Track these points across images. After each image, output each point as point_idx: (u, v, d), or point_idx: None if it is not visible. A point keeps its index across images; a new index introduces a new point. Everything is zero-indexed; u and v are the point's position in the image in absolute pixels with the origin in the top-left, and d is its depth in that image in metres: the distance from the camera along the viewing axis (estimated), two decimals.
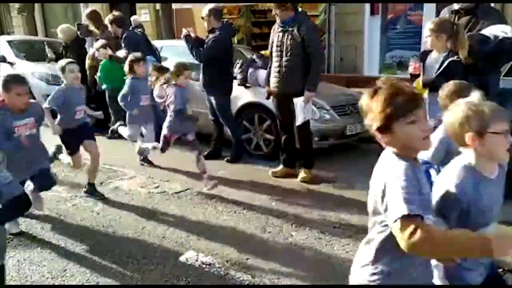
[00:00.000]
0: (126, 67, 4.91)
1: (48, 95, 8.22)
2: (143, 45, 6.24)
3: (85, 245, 3.36)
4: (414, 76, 3.82)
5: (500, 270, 2.93)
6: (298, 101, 4.47)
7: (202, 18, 5.29)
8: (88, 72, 6.90)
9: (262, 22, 12.43)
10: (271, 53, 4.78)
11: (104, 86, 6.66)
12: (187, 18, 10.95)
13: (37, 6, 13.87)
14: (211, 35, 5.22)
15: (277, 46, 4.54)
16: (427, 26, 3.69)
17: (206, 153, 5.60)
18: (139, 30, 6.62)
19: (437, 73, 3.62)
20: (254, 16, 12.48)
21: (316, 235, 3.47)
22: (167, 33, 9.30)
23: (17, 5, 13.45)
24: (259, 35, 12.44)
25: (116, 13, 6.36)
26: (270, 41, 4.76)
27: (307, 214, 3.88)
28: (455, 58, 3.53)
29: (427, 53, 3.82)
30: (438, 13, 5.11)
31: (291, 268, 3.00)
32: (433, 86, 3.60)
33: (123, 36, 6.13)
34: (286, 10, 4.45)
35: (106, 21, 6.34)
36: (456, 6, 3.90)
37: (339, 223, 3.68)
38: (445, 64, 3.57)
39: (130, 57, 4.99)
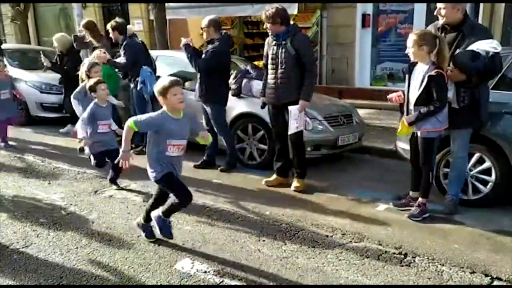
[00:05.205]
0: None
1: (41, 103, 8.32)
2: (142, 54, 6.26)
3: (80, 253, 3.38)
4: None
5: (488, 277, 3.03)
6: (293, 109, 4.56)
7: (202, 29, 5.37)
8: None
9: (254, 33, 12.63)
10: (265, 65, 4.88)
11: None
12: (181, 29, 11.05)
13: (29, 14, 13.90)
14: (210, 46, 5.30)
15: (272, 59, 4.65)
16: (410, 38, 3.77)
17: (200, 162, 5.67)
18: (139, 40, 6.66)
19: (419, 90, 3.72)
20: (247, 27, 12.68)
21: (310, 243, 3.54)
22: (161, 43, 9.36)
23: (10, 14, 13.46)
24: (251, 46, 12.62)
25: (119, 20, 6.27)
26: (265, 54, 4.86)
27: (301, 223, 3.94)
28: (433, 72, 3.62)
29: (413, 65, 3.89)
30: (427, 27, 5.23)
31: (285, 275, 3.05)
32: (418, 120, 3.76)
33: (124, 44, 6.09)
34: (277, 24, 4.55)
35: (108, 26, 6.24)
36: (441, 22, 3.93)
37: (332, 232, 3.75)
38: (425, 81, 3.67)
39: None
